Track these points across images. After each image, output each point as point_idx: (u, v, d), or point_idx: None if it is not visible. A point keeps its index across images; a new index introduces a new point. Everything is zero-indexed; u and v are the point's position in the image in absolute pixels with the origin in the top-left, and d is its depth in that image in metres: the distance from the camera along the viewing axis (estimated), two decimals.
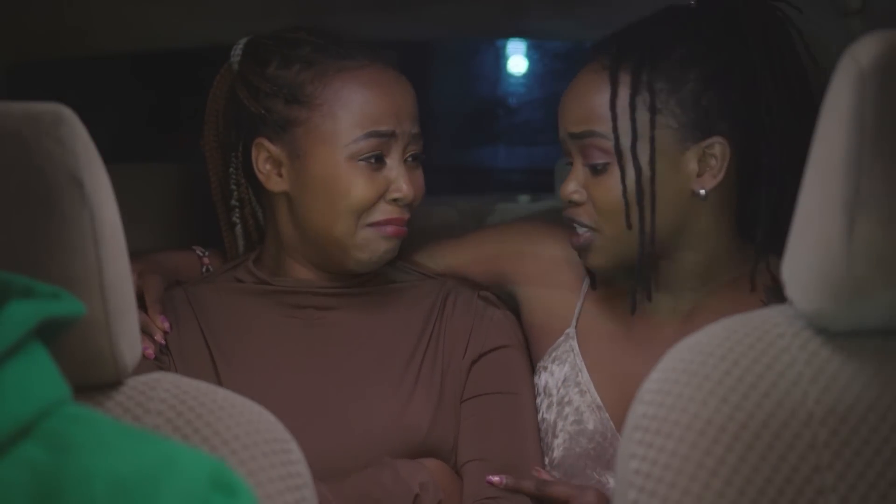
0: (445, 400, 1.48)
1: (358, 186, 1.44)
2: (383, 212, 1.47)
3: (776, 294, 1.36)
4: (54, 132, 0.82)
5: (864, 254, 0.82)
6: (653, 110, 1.35)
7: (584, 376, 1.47)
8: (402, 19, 1.84)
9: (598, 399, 1.46)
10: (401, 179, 1.46)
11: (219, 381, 1.43)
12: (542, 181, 2.75)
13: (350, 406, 1.45)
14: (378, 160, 1.46)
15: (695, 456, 0.85)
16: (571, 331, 1.52)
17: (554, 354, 1.52)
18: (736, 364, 0.88)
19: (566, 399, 1.47)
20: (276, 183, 1.50)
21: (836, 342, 0.88)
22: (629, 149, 1.35)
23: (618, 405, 1.44)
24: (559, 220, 1.56)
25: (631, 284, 1.42)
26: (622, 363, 1.47)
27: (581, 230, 1.42)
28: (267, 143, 1.49)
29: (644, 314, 1.46)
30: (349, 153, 1.44)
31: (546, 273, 1.56)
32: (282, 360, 1.48)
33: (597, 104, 1.38)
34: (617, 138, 1.35)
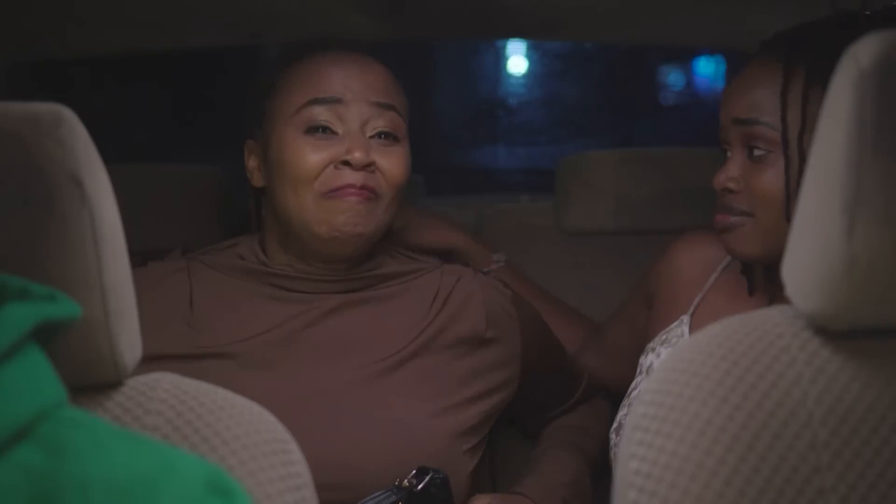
0: (444, 393, 1.46)
1: (305, 155, 1.44)
2: (337, 177, 1.44)
3: None
4: (54, 132, 0.82)
5: (864, 254, 0.81)
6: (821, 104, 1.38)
7: None
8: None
9: None
10: (354, 145, 1.44)
11: (189, 358, 1.41)
12: (542, 181, 2.74)
13: (345, 402, 1.42)
14: (326, 131, 1.45)
15: (695, 456, 0.85)
16: (686, 317, 1.54)
17: (664, 337, 1.54)
18: (736, 364, 0.88)
19: None
20: (257, 178, 1.54)
21: (836, 342, 0.88)
22: (796, 139, 1.37)
23: None
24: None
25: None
26: None
27: (733, 216, 1.43)
28: (251, 142, 1.55)
29: (758, 304, 1.49)
30: (295, 125, 1.45)
31: (675, 274, 1.61)
32: (270, 344, 1.45)
33: (765, 94, 1.40)
34: (785, 128, 1.37)
